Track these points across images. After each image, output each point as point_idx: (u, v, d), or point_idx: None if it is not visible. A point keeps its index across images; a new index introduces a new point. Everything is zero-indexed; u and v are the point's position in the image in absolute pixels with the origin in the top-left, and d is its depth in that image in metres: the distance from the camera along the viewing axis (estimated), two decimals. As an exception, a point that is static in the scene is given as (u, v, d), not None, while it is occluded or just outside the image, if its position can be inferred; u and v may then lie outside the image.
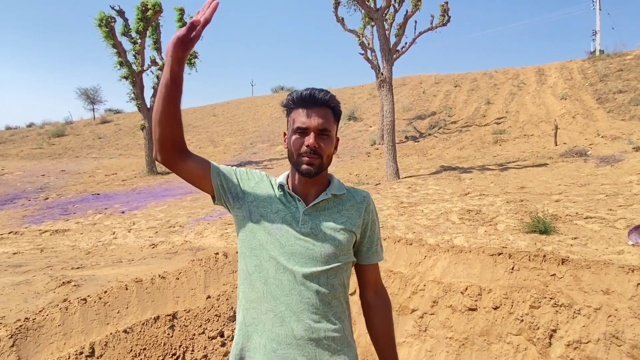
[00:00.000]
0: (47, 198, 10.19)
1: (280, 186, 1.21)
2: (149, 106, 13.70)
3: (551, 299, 2.40)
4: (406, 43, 11.26)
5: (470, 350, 2.50)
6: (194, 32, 1.05)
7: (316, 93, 1.15)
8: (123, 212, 7.83)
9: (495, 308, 2.53)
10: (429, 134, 15.64)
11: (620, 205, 5.15)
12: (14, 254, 5.14)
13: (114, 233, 6.08)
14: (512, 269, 2.67)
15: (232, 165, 1.32)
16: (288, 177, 1.26)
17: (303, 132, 1.15)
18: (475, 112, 17.13)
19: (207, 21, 1.07)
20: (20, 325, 2.15)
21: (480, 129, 15.04)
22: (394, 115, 10.19)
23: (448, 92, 20.59)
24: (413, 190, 7.67)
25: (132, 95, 13.42)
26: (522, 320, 2.42)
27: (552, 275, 2.52)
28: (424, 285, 2.90)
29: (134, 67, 13.22)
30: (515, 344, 2.38)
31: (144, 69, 13.34)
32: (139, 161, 15.64)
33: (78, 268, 4.32)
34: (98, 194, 10.45)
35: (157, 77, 13.66)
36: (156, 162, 13.76)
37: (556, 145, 11.43)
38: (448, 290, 2.76)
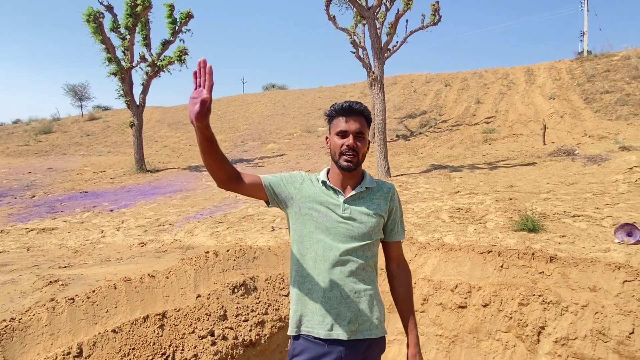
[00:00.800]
0: (34, 196, 10.02)
1: (323, 182, 1.53)
2: (138, 103, 13.53)
3: (539, 296, 2.43)
4: (397, 42, 11.30)
5: (460, 347, 2.52)
6: (207, 105, 1.25)
7: (353, 105, 1.49)
8: (112, 211, 7.73)
9: (485, 305, 2.55)
10: (420, 133, 15.73)
11: (607, 204, 5.24)
12: (0, 252, 5.05)
13: (102, 231, 6.00)
14: (502, 266, 2.69)
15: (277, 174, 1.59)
16: (328, 173, 1.57)
17: (343, 134, 1.48)
18: (465, 111, 17.27)
19: (211, 87, 1.26)
20: (6, 326, 2.11)
21: (470, 128, 15.17)
22: (385, 114, 10.23)
23: (438, 92, 20.72)
24: (404, 188, 7.71)
25: (121, 91, 13.23)
26: (511, 318, 2.44)
27: (540, 272, 2.55)
28: (414, 283, 2.91)
29: (123, 63, 13.04)
30: (505, 341, 2.40)
31: (133, 65, 13.16)
32: (127, 159, 15.46)
33: (65, 267, 4.25)
34: (86, 192, 10.30)
35: (147, 73, 13.48)
36: (145, 160, 13.59)
37: (544, 144, 11.58)
38: (438, 288, 2.77)
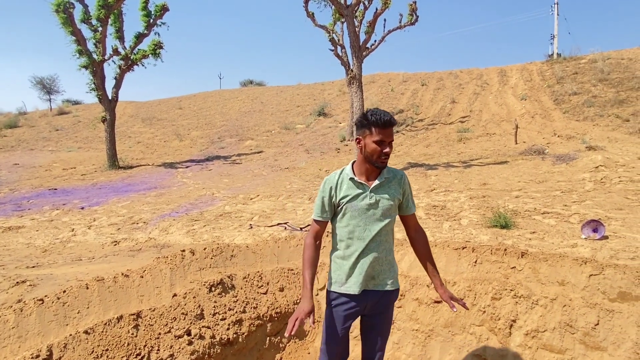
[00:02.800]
0: (-2, 193, 9.57)
1: (351, 179, 1.93)
2: (110, 97, 13.12)
3: (511, 290, 2.51)
4: (375, 41, 11.40)
5: (435, 341, 2.57)
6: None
7: (392, 119, 1.85)
8: (82, 208, 7.48)
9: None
10: (397, 132, 15.92)
11: (574, 201, 5.46)
12: (-39, 252, 4.80)
13: (72, 230, 5.80)
14: (475, 262, 2.76)
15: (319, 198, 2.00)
16: (353, 167, 1.97)
17: (381, 143, 1.84)
18: (441, 110, 17.59)
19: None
20: (-31, 329, 2.01)
21: (445, 127, 15.46)
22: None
23: (415, 91, 21.02)
24: (381, 186, 7.78)
25: (93, 85, 12.79)
26: (485, 312, 2.51)
27: (512, 268, 2.64)
28: (392, 280, 2.95)
29: (95, 56, 12.60)
30: (478, 335, 2.47)
31: (105, 58, 12.74)
32: (99, 155, 14.98)
33: (34, 267, 4.09)
34: (55, 189, 9.92)
35: (120, 67, 13.08)
36: (117, 156, 13.18)
37: (516, 143, 11.93)
38: (415, 283, 2.82)
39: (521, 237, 4.01)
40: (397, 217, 2.10)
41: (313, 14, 11.56)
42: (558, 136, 12.34)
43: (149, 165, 13.38)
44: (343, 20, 11.96)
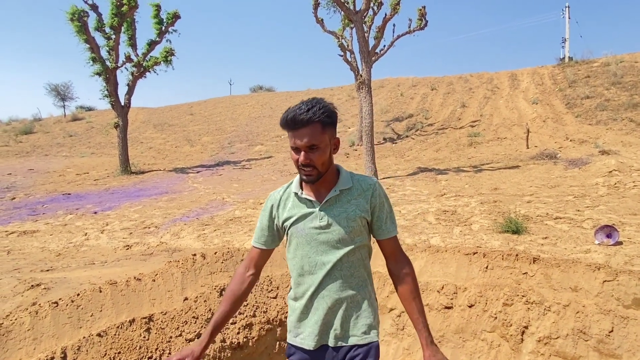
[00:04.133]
0: (14, 198, 9.77)
1: (295, 194, 1.47)
2: (123, 103, 13.34)
3: (523, 296, 2.48)
4: (385, 46, 11.42)
5: (446, 347, 2.55)
6: None
7: (297, 116, 1.32)
8: (95, 213, 7.60)
9: (470, 306, 2.60)
10: (407, 136, 15.88)
11: (588, 206, 5.38)
12: (-22, 256, 4.91)
13: (86, 234, 5.89)
14: (487, 267, 2.74)
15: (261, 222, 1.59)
16: (300, 181, 1.49)
17: (296, 150, 1.38)
18: (451, 115, 17.51)
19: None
20: (-14, 331, 2.06)
21: (455, 132, 15.37)
22: (373, 117, 10.30)
23: (425, 95, 20.96)
24: (391, 191, 7.77)
25: (106, 92, 13.03)
26: (496, 318, 2.49)
27: (524, 273, 2.61)
28: (401, 285, 2.94)
29: (108, 63, 12.84)
30: (489, 341, 2.45)
31: (118, 65, 12.97)
32: (112, 160, 15.20)
33: (48, 270, 4.16)
34: (69, 194, 10.10)
35: (132, 74, 13.31)
36: (130, 161, 13.40)
37: (528, 148, 11.81)
38: (425, 289, 2.81)
39: (533, 242, 3.97)
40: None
41: (322, 20, 11.64)
42: (570, 140, 12.18)
43: (160, 170, 13.54)
44: (352, 25, 12.01)
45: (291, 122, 1.33)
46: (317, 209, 1.42)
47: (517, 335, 2.38)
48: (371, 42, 10.58)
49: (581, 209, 5.23)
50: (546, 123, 14.60)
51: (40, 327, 2.18)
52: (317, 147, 1.35)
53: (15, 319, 2.18)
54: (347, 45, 12.21)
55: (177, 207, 7.60)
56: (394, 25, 13.42)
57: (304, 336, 1.45)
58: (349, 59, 10.91)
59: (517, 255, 2.72)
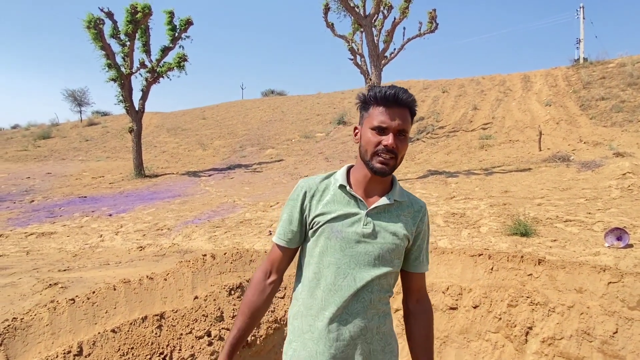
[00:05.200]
0: (33, 201, 10.06)
1: (341, 186, 1.21)
2: (137, 108, 13.63)
3: (528, 297, 2.50)
4: (395, 49, 11.46)
5: (450, 347, 2.58)
6: None
7: (400, 93, 1.16)
8: (110, 215, 7.79)
9: (475, 307, 2.62)
10: (417, 139, 15.84)
11: (599, 209, 5.32)
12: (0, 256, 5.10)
13: (101, 236, 6.05)
14: (492, 269, 2.76)
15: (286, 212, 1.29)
16: (348, 174, 1.26)
17: (382, 130, 1.15)
18: (462, 117, 17.40)
19: None
20: (8, 325, 2.17)
21: (467, 134, 15.28)
22: (383, 120, 10.34)
23: (436, 98, 20.88)
24: (400, 194, 7.78)
25: (121, 97, 13.34)
26: (500, 319, 2.51)
27: (529, 275, 2.62)
28: (407, 286, 2.98)
29: (123, 69, 13.15)
30: (494, 341, 2.47)
31: (133, 71, 13.27)
32: (126, 164, 15.52)
33: (65, 270, 4.30)
34: (85, 197, 10.35)
35: (146, 79, 13.60)
36: (144, 165, 13.64)
37: (540, 150, 11.68)
38: (430, 289, 2.84)
39: (541, 245, 3.95)
40: None
41: (332, 24, 11.75)
42: (584, 142, 12.01)
43: (173, 174, 13.77)
44: (362, 29, 12.10)
45: (392, 97, 1.15)
46: (364, 212, 1.18)
47: (521, 335, 2.40)
48: (381, 46, 10.63)
49: (592, 212, 5.17)
50: (559, 125, 14.41)
51: (58, 323, 2.29)
52: (405, 136, 1.18)
53: (35, 315, 2.29)
54: (357, 49, 12.29)
55: (189, 210, 7.74)
56: (404, 28, 13.46)
57: None
58: (359, 63, 10.98)
59: (522, 256, 2.73)
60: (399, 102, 1.16)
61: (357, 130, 1.28)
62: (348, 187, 1.20)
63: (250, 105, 26.78)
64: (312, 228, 1.20)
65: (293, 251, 1.26)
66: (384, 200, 1.20)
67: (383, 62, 10.89)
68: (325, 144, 16.48)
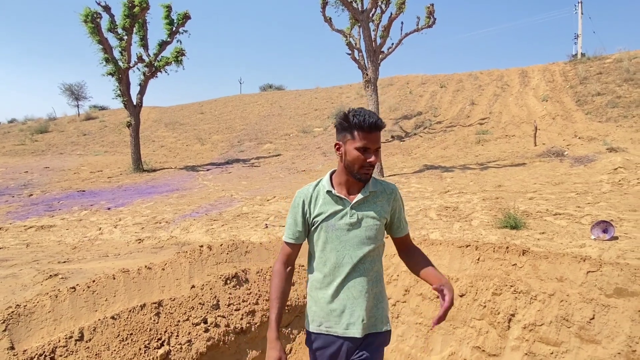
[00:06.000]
0: (31, 194, 10.13)
1: (328, 192, 1.60)
2: (135, 103, 13.65)
3: (511, 286, 2.60)
4: (393, 44, 11.50)
5: (437, 334, 2.69)
6: None
7: (377, 122, 1.53)
8: (109, 209, 7.87)
9: (462, 295, 2.72)
10: (415, 134, 15.92)
11: (588, 203, 5.43)
12: (0, 248, 5.18)
13: (100, 229, 6.14)
14: (478, 259, 2.87)
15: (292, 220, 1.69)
16: (331, 178, 1.64)
17: (365, 150, 1.52)
18: (459, 112, 17.48)
19: None
20: (12, 311, 2.26)
21: (464, 129, 15.37)
22: (379, 115, 10.41)
23: (434, 93, 20.93)
24: (396, 188, 7.88)
25: (119, 92, 13.35)
26: (485, 306, 2.62)
27: (513, 265, 2.73)
28: (397, 276, 3.08)
29: (120, 63, 13.16)
30: (478, 328, 2.57)
31: (130, 65, 13.28)
32: (124, 158, 15.57)
33: (65, 262, 4.39)
34: (83, 191, 10.42)
35: (144, 74, 13.61)
36: (142, 159, 13.70)
37: (535, 145, 11.78)
38: (419, 280, 2.94)
39: (530, 237, 4.06)
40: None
41: (330, 18, 11.76)
42: (579, 138, 12.11)
43: (171, 168, 13.84)
44: (359, 24, 12.11)
45: (374, 126, 1.52)
46: (349, 207, 1.57)
47: (504, 322, 2.50)
48: (379, 42, 10.67)
49: (582, 206, 5.28)
50: (555, 120, 14.50)
51: (59, 310, 2.38)
52: (379, 149, 1.58)
53: (37, 302, 2.38)
54: (355, 44, 12.31)
55: (187, 204, 7.83)
56: (402, 23, 13.47)
57: (331, 323, 1.58)
58: (357, 58, 11.02)
59: (507, 247, 2.83)
60: (377, 128, 1.53)
61: (339, 146, 1.60)
62: (333, 191, 1.59)
63: (249, 100, 26.78)
64: (313, 225, 1.61)
65: (300, 246, 1.67)
66: (361, 195, 1.59)
67: (380, 57, 10.93)
68: (323, 138, 16.55)
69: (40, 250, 5.07)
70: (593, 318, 2.29)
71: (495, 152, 11.71)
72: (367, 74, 10.17)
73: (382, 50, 10.57)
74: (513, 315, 2.51)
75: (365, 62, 10.56)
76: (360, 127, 1.51)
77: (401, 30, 11.91)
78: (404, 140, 15.36)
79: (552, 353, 2.30)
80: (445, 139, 14.56)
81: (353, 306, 1.56)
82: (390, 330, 1.67)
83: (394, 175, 9.68)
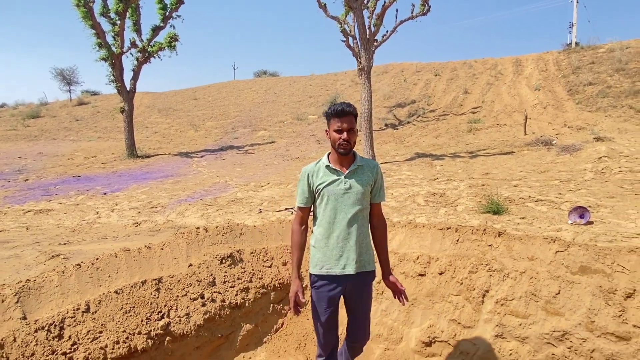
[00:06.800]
0: (27, 180, 10.20)
1: (327, 166, 2.11)
2: (128, 89, 13.62)
3: (487, 265, 2.81)
4: (387, 31, 11.54)
5: (417, 308, 2.90)
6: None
7: (345, 108, 2.04)
8: (105, 194, 7.99)
9: (441, 273, 2.93)
10: (408, 122, 16.07)
11: (570, 190, 5.66)
12: (0, 231, 5.32)
13: (97, 213, 6.28)
14: (457, 240, 3.07)
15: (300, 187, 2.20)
16: (328, 157, 2.16)
17: (339, 131, 2.03)
18: (453, 101, 17.63)
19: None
20: (23, 285, 2.42)
21: (456, 118, 15.54)
22: (372, 104, 10.53)
23: (428, 81, 21.01)
24: (387, 175, 8.07)
25: (112, 77, 13.31)
26: (462, 283, 2.83)
27: (489, 245, 2.94)
28: (383, 256, 3.28)
29: (114, 48, 13.09)
30: (455, 303, 2.79)
31: (124, 50, 13.21)
32: (118, 144, 15.58)
33: (65, 244, 4.55)
34: (79, 177, 10.51)
35: (137, 59, 13.56)
36: (136, 145, 13.73)
37: (525, 134, 12.00)
38: (403, 259, 3.15)
39: (510, 221, 4.27)
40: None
41: (325, 5, 11.75)
42: (568, 127, 12.34)
43: (165, 154, 13.90)
44: (353, 11, 12.11)
45: (340, 112, 2.03)
46: (343, 177, 2.09)
47: (478, 297, 2.72)
48: (372, 29, 10.72)
49: (563, 192, 5.51)
50: (546, 110, 14.71)
51: (66, 284, 2.55)
52: (353, 130, 2.05)
53: (46, 277, 2.54)
54: (350, 31, 12.33)
55: (182, 189, 7.97)
56: (396, 10, 13.47)
57: (331, 266, 2.08)
58: (352, 45, 11.07)
59: (484, 230, 3.04)
60: (346, 113, 2.04)
61: (327, 132, 2.13)
62: (331, 165, 2.12)
63: (243, 86, 26.67)
64: (317, 192, 2.12)
65: (309, 209, 2.20)
66: (351, 167, 2.11)
67: (375, 44, 10.99)
68: (317, 126, 16.65)
69: (40, 233, 5.22)
70: (559, 293, 2.50)
71: (485, 141, 11.92)
72: (360, 62, 10.26)
73: (375, 38, 10.63)
74: (487, 291, 2.72)
75: (360, 50, 10.63)
76: (335, 114, 2.05)
77: (396, 17, 11.94)
78: (397, 129, 15.52)
79: (520, 324, 2.52)
80: (437, 128, 14.73)
81: (348, 252, 2.06)
82: (374, 270, 2.18)
83: (386, 162, 9.87)
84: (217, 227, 3.54)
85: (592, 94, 15.17)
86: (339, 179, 2.08)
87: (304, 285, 2.52)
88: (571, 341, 2.36)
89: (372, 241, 2.22)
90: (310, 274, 2.15)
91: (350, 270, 2.06)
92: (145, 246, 3.05)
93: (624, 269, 2.43)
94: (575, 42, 25.14)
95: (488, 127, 13.90)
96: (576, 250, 2.63)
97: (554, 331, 2.42)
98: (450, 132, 13.92)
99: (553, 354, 2.39)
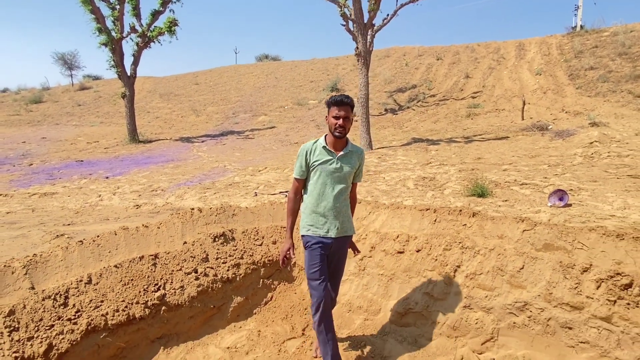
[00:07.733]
0: (32, 164, 10.45)
1: (323, 147, 2.51)
2: (129, 74, 13.73)
3: (460, 243, 3.01)
4: (388, 14, 11.53)
5: (395, 283, 3.12)
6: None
7: (344, 99, 2.44)
8: (107, 178, 8.23)
9: (418, 251, 3.14)
10: (408, 107, 16.13)
11: (556, 174, 5.82)
12: (7, 213, 5.57)
13: (99, 196, 6.52)
14: (435, 220, 3.27)
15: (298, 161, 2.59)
16: (325, 138, 2.54)
17: (337, 117, 2.42)
18: (454, 85, 17.61)
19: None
20: (30, 259, 2.65)
21: (456, 103, 15.58)
22: (368, 89, 10.61)
23: (430, 65, 20.92)
24: (382, 160, 8.24)
25: (112, 62, 13.41)
26: (436, 260, 3.04)
27: (464, 225, 3.13)
28: (365, 235, 3.49)
29: (114, 33, 13.16)
30: (429, 277, 3.00)
31: (124, 36, 13.28)
32: (120, 129, 15.78)
33: (69, 225, 4.79)
34: (82, 161, 10.75)
35: (137, 44, 13.63)
36: (137, 130, 13.90)
37: (523, 119, 12.07)
38: (384, 238, 3.35)
39: (493, 204, 4.46)
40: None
41: (324, -11, 11.71)
42: (566, 112, 12.38)
43: (166, 139, 14.10)
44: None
45: (339, 102, 2.42)
46: (335, 158, 2.50)
47: (450, 272, 2.93)
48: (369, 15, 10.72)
49: (549, 177, 5.68)
50: (546, 94, 14.71)
51: (70, 259, 2.78)
52: (348, 118, 2.46)
53: (51, 252, 2.77)
54: (350, 15, 12.32)
55: (182, 174, 8.19)
56: (396, -6, 13.38)
57: (322, 230, 2.51)
58: (352, 29, 11.08)
59: (460, 210, 3.23)
60: (343, 103, 2.44)
61: (326, 117, 2.52)
62: (327, 147, 2.52)
63: (244, 71, 26.63)
64: (312, 167, 2.51)
65: (304, 181, 2.58)
66: (343, 151, 2.53)
67: (375, 28, 11.00)
68: (317, 111, 16.75)
69: (45, 215, 5.47)
70: (522, 268, 2.71)
71: (483, 126, 12.01)
72: (357, 48, 10.31)
73: (373, 23, 10.65)
74: (459, 266, 2.93)
75: (357, 35, 10.66)
76: (334, 103, 2.45)
77: (396, 1, 11.90)
78: (396, 114, 15.59)
79: (486, 296, 2.73)
80: (437, 113, 14.80)
81: (332, 219, 2.51)
82: (352, 234, 2.67)
83: (383, 147, 10.02)
84: (211, 208, 3.76)
85: (592, 79, 15.11)
86: (332, 159, 2.49)
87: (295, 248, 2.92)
88: (531, 311, 2.57)
89: (350, 212, 2.65)
90: (302, 236, 2.57)
91: (333, 234, 2.51)
92: (143, 225, 3.28)
93: (583, 246, 2.62)
94: (580, 25, 24.78)
95: (487, 112, 13.96)
96: (542, 229, 2.82)
97: (516, 302, 2.63)
98: (449, 117, 14.00)
99: (514, 323, 2.61)
